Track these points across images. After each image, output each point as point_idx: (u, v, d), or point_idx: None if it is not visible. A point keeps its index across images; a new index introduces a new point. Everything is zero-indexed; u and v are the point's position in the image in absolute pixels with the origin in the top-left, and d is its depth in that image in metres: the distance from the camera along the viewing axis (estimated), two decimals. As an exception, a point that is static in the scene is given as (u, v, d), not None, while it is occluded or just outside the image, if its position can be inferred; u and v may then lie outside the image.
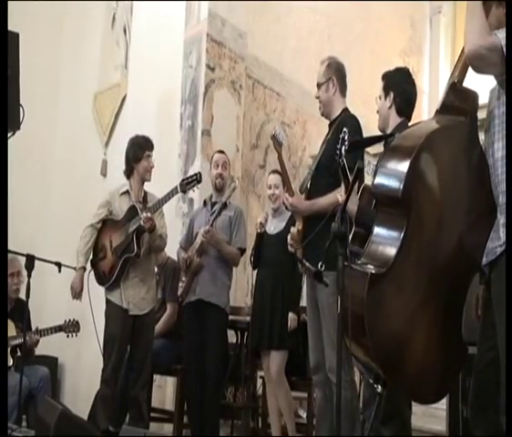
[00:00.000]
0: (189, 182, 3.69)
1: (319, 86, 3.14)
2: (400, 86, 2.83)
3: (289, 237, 3.10)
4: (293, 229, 3.16)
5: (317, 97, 3.18)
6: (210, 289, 3.81)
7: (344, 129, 2.46)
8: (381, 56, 6.12)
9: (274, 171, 4.01)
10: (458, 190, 1.99)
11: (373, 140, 2.90)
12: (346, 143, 2.35)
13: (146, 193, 3.96)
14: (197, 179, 3.67)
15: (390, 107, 2.80)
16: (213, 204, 3.95)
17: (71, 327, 4.14)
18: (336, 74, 3.14)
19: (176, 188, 3.70)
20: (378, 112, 2.87)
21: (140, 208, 3.76)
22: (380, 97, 2.86)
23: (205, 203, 4.05)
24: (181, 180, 3.74)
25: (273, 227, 3.97)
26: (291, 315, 3.78)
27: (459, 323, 2.01)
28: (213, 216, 3.77)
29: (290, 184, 3.37)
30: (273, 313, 3.81)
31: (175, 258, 4.22)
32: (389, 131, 2.76)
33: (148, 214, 3.63)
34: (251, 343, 3.95)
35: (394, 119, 2.79)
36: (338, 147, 2.42)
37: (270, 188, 3.99)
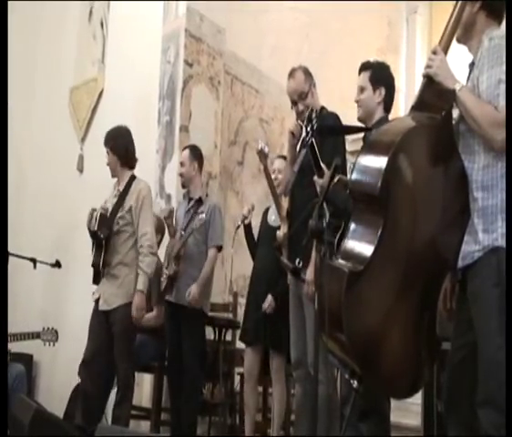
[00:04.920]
0: None
1: (303, 96, 3.04)
2: (389, 81, 2.78)
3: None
4: (279, 233, 3.18)
5: (299, 112, 3.03)
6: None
7: (313, 109, 2.41)
8: (358, 55, 6.11)
9: (279, 156, 3.98)
10: (433, 189, 2.00)
11: (347, 130, 2.83)
12: (314, 122, 2.31)
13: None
14: None
15: (379, 103, 2.72)
16: (190, 199, 4.07)
17: (49, 335, 3.98)
18: (312, 80, 3.13)
19: None
20: (358, 102, 2.74)
21: None
22: (362, 89, 2.74)
23: (184, 197, 4.18)
24: None
25: (274, 216, 3.89)
26: (269, 298, 3.72)
27: (433, 319, 2.03)
28: (186, 234, 3.82)
29: (277, 198, 3.41)
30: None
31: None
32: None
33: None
34: (245, 338, 3.91)
35: (380, 114, 2.72)
36: (304, 124, 2.39)
37: (273, 172, 3.86)
